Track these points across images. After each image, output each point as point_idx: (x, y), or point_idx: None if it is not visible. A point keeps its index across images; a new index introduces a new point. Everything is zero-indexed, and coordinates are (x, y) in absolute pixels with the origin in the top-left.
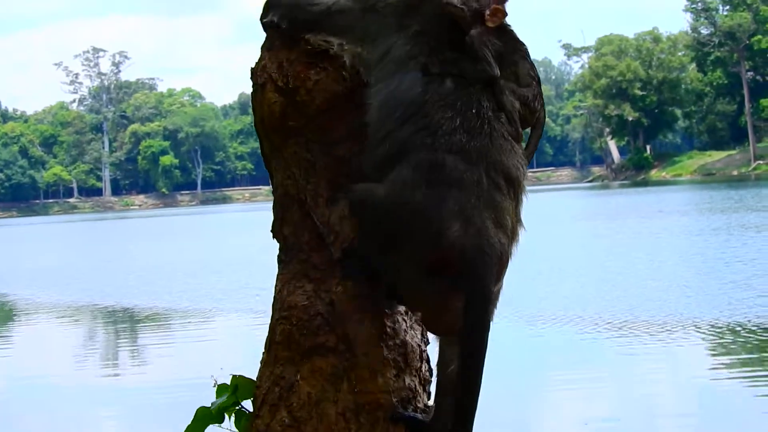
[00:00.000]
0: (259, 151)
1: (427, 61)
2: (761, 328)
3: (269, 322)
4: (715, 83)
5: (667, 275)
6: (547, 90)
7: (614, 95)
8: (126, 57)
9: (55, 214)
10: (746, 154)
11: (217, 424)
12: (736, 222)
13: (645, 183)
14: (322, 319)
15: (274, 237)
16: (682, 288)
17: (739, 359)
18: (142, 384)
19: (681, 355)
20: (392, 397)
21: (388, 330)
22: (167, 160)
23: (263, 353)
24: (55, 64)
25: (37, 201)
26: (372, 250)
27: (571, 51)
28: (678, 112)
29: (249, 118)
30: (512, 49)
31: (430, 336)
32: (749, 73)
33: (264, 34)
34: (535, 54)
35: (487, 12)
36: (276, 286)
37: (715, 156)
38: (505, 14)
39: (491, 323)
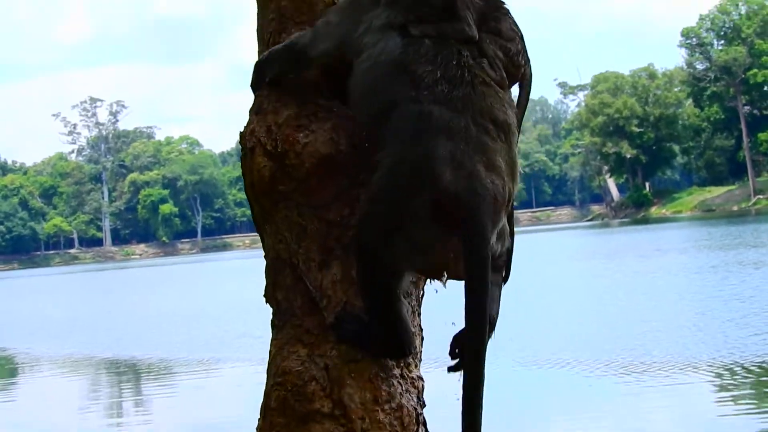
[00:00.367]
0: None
1: (407, 23)
2: (759, 367)
3: (264, 387)
4: (712, 118)
5: (665, 315)
6: (544, 129)
7: (611, 133)
8: (123, 106)
9: (56, 265)
10: (746, 189)
11: None
12: (733, 259)
13: (645, 220)
14: (316, 384)
15: (267, 302)
16: (680, 328)
17: (736, 396)
18: None
19: (681, 394)
20: None
21: (384, 394)
22: (167, 208)
23: (259, 420)
24: (53, 115)
25: (38, 252)
26: (378, 224)
27: (567, 89)
28: (676, 148)
29: None
30: (494, 7)
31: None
32: (746, 107)
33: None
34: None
35: None
36: (270, 351)
37: (715, 191)
38: None
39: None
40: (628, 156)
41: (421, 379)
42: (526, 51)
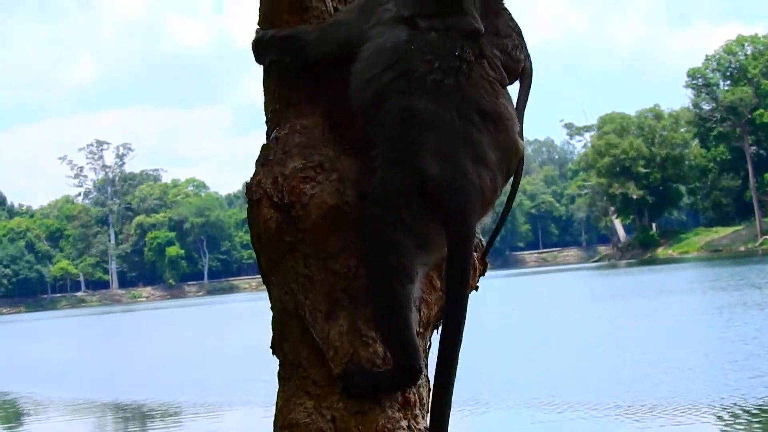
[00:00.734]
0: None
1: (415, 16)
2: (760, 409)
3: None
4: (718, 159)
5: (669, 357)
6: (550, 170)
7: (618, 173)
8: (130, 149)
9: (62, 308)
10: (752, 230)
11: None
12: (738, 300)
13: (652, 261)
14: None
15: (273, 354)
16: (684, 370)
17: None
18: None
19: None
20: None
21: None
22: (173, 250)
23: None
24: (60, 158)
25: (45, 295)
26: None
27: (573, 130)
28: (682, 188)
29: None
30: (491, 3)
31: None
32: (752, 147)
33: (263, 127)
34: (538, 134)
35: None
36: (276, 403)
37: (722, 232)
38: None
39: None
40: (635, 196)
41: (429, 430)
42: (525, 46)
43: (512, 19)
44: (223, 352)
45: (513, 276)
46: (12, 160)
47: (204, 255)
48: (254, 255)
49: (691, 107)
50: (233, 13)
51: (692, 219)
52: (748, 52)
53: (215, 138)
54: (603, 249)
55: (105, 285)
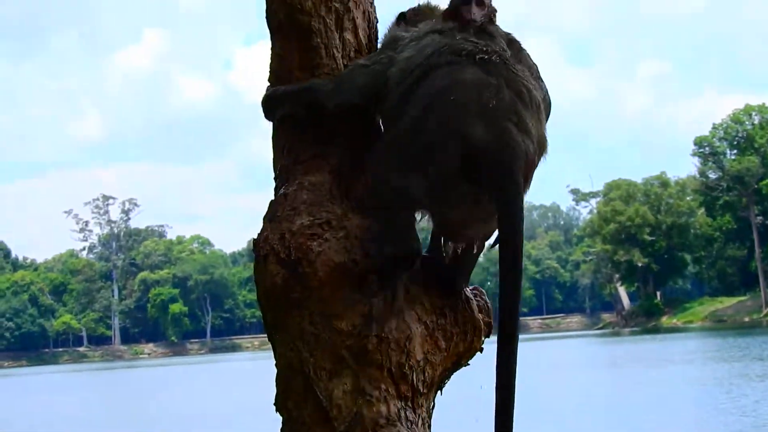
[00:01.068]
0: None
1: (449, 28)
2: None
3: None
4: (724, 228)
5: (667, 427)
6: (556, 236)
7: (623, 240)
8: (135, 204)
9: (64, 363)
10: (757, 300)
11: None
12: (739, 371)
13: (656, 330)
14: None
15: (277, 410)
16: None
17: None
18: None
19: None
20: None
21: None
22: (176, 308)
23: None
24: (65, 212)
25: (47, 350)
26: (400, 177)
27: (579, 196)
28: (688, 257)
29: None
30: (514, 42)
31: None
32: (758, 217)
33: (272, 181)
34: (543, 199)
35: None
36: None
37: (726, 302)
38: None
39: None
40: (640, 264)
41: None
42: (543, 81)
43: (531, 59)
44: (225, 410)
45: None
46: (17, 213)
47: (207, 313)
48: (258, 313)
49: (698, 176)
50: (243, 68)
51: (697, 288)
52: (756, 122)
53: (220, 194)
54: (607, 316)
55: (107, 340)
